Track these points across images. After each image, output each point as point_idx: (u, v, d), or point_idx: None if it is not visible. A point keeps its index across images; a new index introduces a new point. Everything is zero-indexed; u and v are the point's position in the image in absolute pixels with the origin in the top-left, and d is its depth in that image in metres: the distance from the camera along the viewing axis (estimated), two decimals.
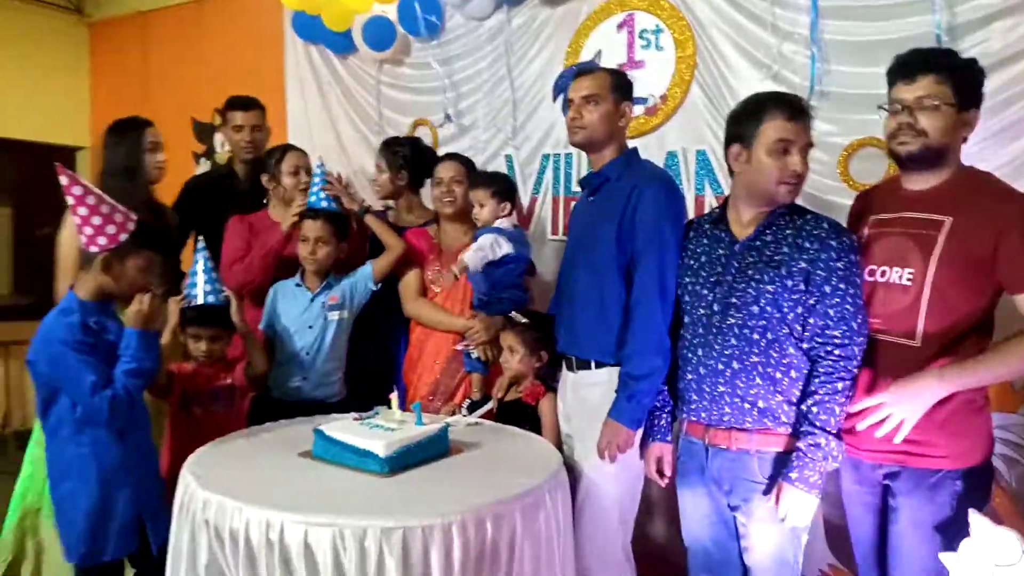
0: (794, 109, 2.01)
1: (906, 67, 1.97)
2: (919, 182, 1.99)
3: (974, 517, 1.69)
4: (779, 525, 1.97)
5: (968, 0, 2.65)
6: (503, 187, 2.86)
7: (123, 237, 2.23)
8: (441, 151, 3.70)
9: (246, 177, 3.39)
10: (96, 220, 2.19)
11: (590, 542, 2.30)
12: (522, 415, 2.63)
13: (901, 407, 1.88)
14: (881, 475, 1.99)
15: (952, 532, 1.80)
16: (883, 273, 1.98)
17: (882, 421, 1.90)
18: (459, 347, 2.76)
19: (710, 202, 3.16)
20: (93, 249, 2.21)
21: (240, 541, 1.78)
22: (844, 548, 2.45)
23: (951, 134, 1.92)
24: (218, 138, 4.98)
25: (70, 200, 2.19)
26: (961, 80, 1.92)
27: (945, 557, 1.73)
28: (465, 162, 3.00)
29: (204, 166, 5.09)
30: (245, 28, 4.66)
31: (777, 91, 2.30)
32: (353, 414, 2.29)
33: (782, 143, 1.99)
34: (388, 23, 3.85)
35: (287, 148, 3.17)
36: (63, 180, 2.18)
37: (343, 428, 2.15)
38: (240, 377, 2.67)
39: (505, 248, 2.70)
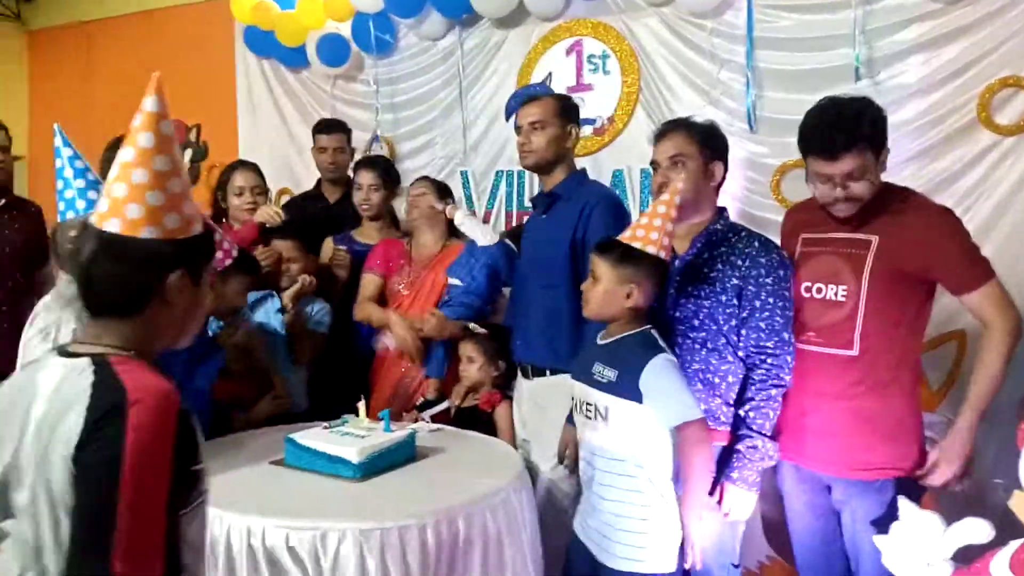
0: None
1: (824, 147, 2.00)
2: None
3: (902, 503, 1.88)
4: (719, 514, 2.12)
5: (887, 36, 2.91)
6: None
7: (228, 263, 2.42)
8: (400, 166, 3.85)
9: (333, 197, 3.52)
10: None
11: (551, 536, 2.43)
12: (478, 421, 2.75)
13: (954, 461, 2.01)
14: (824, 479, 2.15)
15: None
16: (818, 290, 2.13)
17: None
18: (379, 346, 2.92)
19: None
20: None
21: (220, 547, 1.85)
22: (781, 541, 2.62)
23: (874, 186, 2.04)
24: None
25: None
26: (875, 141, 2.02)
27: (878, 540, 1.92)
28: (433, 181, 3.17)
29: None
30: (193, 40, 4.65)
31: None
32: (322, 423, 2.37)
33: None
34: (342, 40, 3.93)
35: (235, 167, 3.22)
36: None
37: (314, 436, 2.24)
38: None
39: (489, 240, 2.93)
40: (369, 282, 3.03)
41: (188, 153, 4.87)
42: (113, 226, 1.15)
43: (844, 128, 1.99)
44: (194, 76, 4.67)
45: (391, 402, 2.89)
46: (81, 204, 1.99)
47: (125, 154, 1.17)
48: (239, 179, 3.14)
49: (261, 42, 4.20)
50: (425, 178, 3.20)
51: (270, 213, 2.98)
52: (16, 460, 1.14)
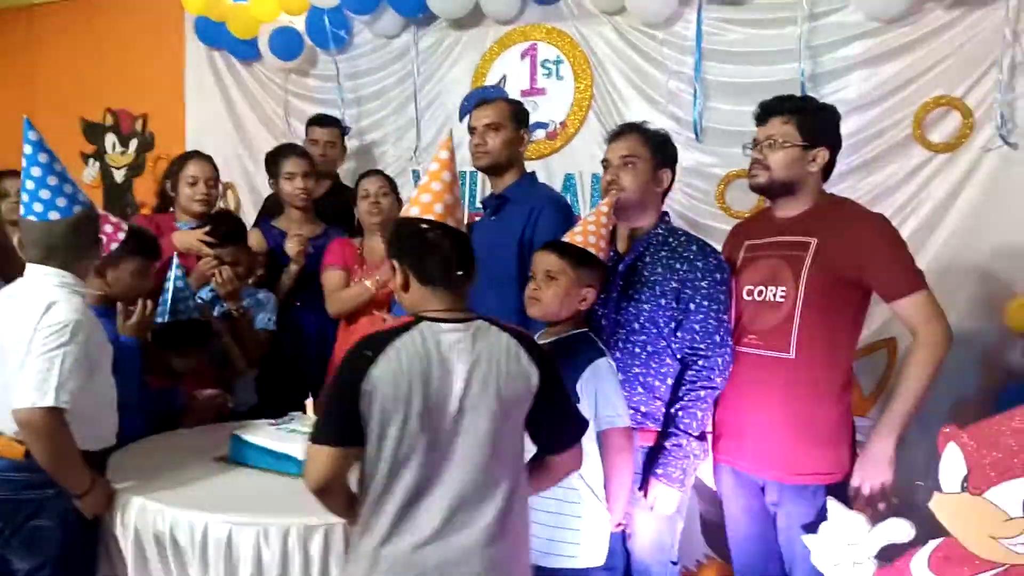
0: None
1: (761, 111, 2.23)
2: (787, 209, 2.23)
3: (831, 502, 1.96)
4: (657, 513, 2.18)
5: (830, 52, 3.01)
6: None
7: (113, 246, 2.26)
8: (347, 165, 3.82)
9: (318, 192, 3.39)
10: None
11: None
12: None
13: (873, 477, 2.04)
14: (759, 481, 2.21)
15: None
16: (759, 292, 2.19)
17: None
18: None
19: None
20: None
21: (166, 543, 1.84)
22: (718, 540, 2.70)
23: (795, 168, 2.15)
24: (108, 139, 4.87)
25: None
26: (807, 121, 2.15)
27: (807, 539, 2.00)
28: (388, 177, 3.14)
29: (92, 167, 4.95)
30: (142, 28, 4.57)
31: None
32: (269, 420, 2.36)
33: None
34: (295, 33, 3.91)
35: (189, 156, 3.16)
36: None
37: (260, 433, 2.22)
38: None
39: None
40: (336, 276, 2.97)
41: (134, 143, 4.79)
42: (452, 223, 1.58)
43: (781, 99, 2.25)
44: (141, 65, 4.60)
45: None
46: (62, 202, 1.95)
47: (445, 175, 1.60)
48: (193, 169, 3.06)
49: (212, 33, 4.15)
50: (379, 173, 3.16)
51: (194, 243, 2.87)
52: (464, 391, 1.53)
